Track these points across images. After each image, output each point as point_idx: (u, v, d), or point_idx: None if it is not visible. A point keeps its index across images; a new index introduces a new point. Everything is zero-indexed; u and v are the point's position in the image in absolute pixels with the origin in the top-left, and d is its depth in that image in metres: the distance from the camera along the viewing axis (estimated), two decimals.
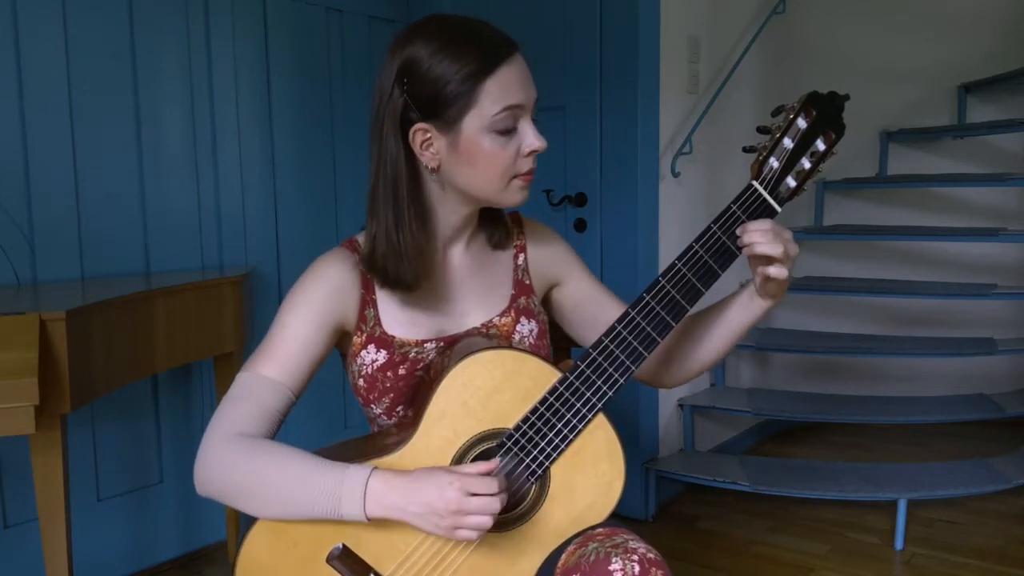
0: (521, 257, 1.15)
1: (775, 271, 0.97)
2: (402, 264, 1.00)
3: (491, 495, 0.90)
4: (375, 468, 0.92)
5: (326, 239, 2.61)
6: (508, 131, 0.97)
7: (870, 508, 2.49)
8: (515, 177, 1.01)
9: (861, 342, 2.85)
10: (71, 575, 1.49)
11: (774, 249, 0.95)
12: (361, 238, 1.09)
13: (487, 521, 0.90)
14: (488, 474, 0.93)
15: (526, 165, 1.01)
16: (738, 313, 1.08)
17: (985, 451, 2.75)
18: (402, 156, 0.99)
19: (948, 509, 2.47)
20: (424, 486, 0.90)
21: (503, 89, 0.96)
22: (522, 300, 1.13)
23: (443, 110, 0.96)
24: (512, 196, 1.02)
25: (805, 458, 2.89)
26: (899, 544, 2.23)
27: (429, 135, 0.98)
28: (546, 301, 1.19)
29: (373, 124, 1.00)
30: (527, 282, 1.14)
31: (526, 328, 1.12)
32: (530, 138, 0.99)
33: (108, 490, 2.13)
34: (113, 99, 2.09)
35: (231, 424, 0.96)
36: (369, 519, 0.91)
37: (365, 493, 0.91)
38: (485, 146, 0.97)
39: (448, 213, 1.05)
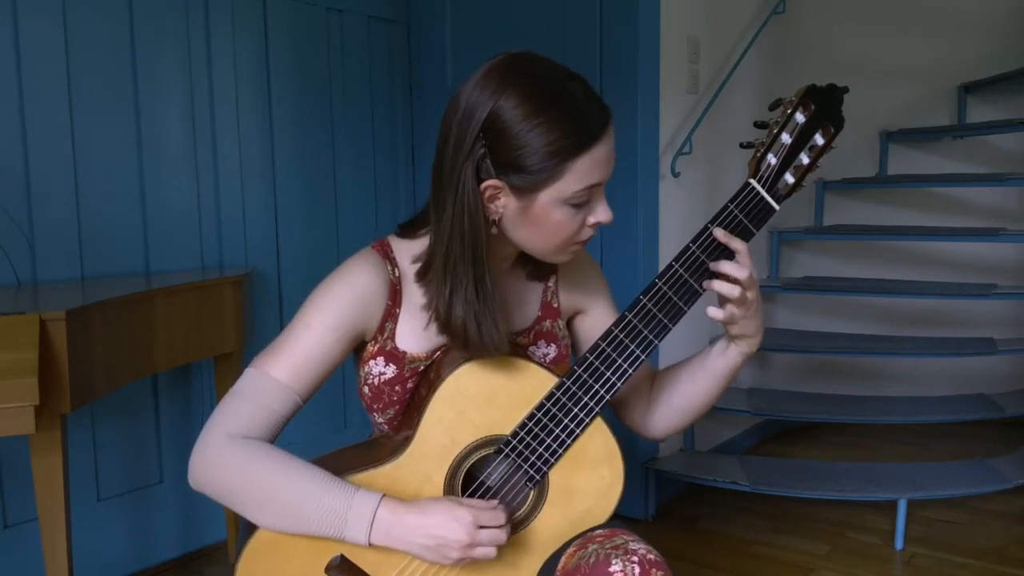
0: (552, 279, 1.13)
1: (715, 313, 0.98)
2: (485, 327, 0.95)
3: (499, 527, 0.92)
4: (384, 496, 0.92)
5: (326, 239, 2.61)
6: (581, 204, 0.95)
7: (870, 508, 2.49)
8: (574, 243, 0.99)
9: (861, 342, 2.85)
10: (71, 575, 1.49)
11: (731, 289, 0.95)
12: (394, 242, 1.06)
13: (493, 552, 0.92)
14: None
15: (587, 234, 0.99)
16: (716, 360, 1.06)
17: (985, 451, 2.75)
18: (479, 210, 0.94)
19: (948, 509, 2.47)
20: (435, 520, 0.90)
21: (589, 169, 0.93)
22: (547, 323, 1.12)
23: (523, 177, 0.92)
24: (563, 257, 1.01)
25: (805, 458, 2.89)
26: (899, 544, 2.22)
27: (499, 191, 0.94)
28: (567, 324, 1.18)
29: (448, 171, 0.94)
30: (555, 305, 1.13)
31: (539, 352, 1.11)
32: (599, 212, 0.97)
33: (108, 490, 2.13)
34: (113, 99, 2.09)
35: (235, 424, 0.95)
36: (371, 545, 0.92)
37: (372, 522, 0.91)
38: (555, 216, 0.95)
39: (496, 250, 1.03)
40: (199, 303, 1.90)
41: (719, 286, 0.96)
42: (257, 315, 2.37)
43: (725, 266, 0.96)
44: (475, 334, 0.95)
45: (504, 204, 0.95)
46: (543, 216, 0.95)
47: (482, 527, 0.91)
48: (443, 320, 0.97)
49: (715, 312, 0.98)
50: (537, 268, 1.10)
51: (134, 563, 2.18)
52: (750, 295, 0.97)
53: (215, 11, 2.28)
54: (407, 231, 1.07)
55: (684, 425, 1.13)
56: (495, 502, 0.96)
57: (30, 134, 1.93)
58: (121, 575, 2.15)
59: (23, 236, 1.94)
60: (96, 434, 2.09)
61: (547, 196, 0.93)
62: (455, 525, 0.90)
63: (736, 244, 0.96)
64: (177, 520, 2.27)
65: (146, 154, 2.16)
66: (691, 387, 1.10)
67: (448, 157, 0.94)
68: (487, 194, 0.94)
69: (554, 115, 0.90)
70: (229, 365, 2.07)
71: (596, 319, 1.16)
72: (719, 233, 0.96)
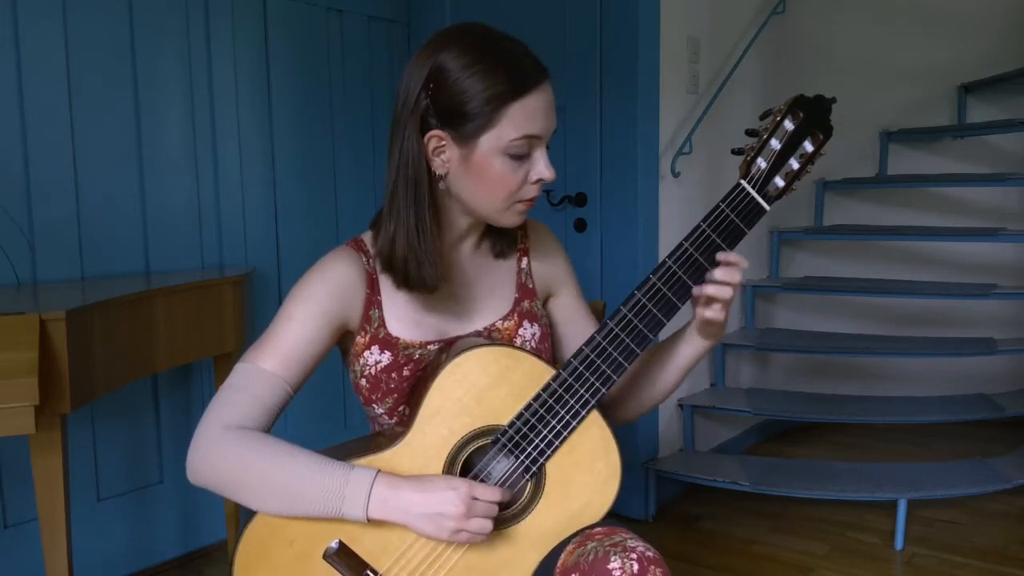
0: (524, 261, 1.16)
1: (712, 314, 1.00)
2: (424, 266, 1.01)
3: (494, 502, 0.94)
4: (379, 471, 0.93)
5: (326, 239, 2.61)
6: (521, 157, 0.99)
7: (870, 508, 2.49)
8: (518, 202, 1.02)
9: (861, 342, 2.85)
10: (71, 575, 1.50)
11: (722, 292, 0.98)
12: (367, 238, 1.10)
13: (489, 525, 0.93)
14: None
15: (531, 192, 1.02)
16: (686, 348, 1.10)
17: (985, 451, 2.75)
18: (423, 158, 0.99)
19: (948, 509, 2.47)
20: (431, 492, 0.92)
21: (526, 117, 0.97)
22: (525, 304, 1.14)
23: (462, 123, 0.96)
24: (510, 219, 1.04)
25: (805, 458, 2.89)
26: (899, 544, 2.22)
27: (443, 143, 0.99)
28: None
29: (396, 123, 1.01)
30: (530, 286, 1.15)
31: (528, 332, 1.13)
32: (540, 167, 1.00)
33: (108, 490, 2.13)
34: (113, 99, 2.09)
35: (229, 415, 0.97)
36: (369, 520, 0.92)
37: (369, 495, 0.92)
38: (496, 167, 0.98)
39: (455, 218, 1.07)
40: (199, 303, 1.91)
41: (713, 289, 0.98)
42: (257, 315, 2.37)
43: (718, 274, 0.98)
44: (415, 271, 1.01)
45: (448, 158, 1.00)
46: (484, 166, 0.98)
47: (477, 499, 0.93)
48: (386, 256, 1.03)
49: (713, 313, 1.00)
50: (500, 241, 1.13)
51: (134, 563, 2.18)
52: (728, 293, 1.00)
53: (215, 11, 2.28)
54: (377, 224, 1.09)
55: (650, 409, 1.18)
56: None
57: (30, 134, 1.94)
58: (121, 575, 2.15)
59: (23, 236, 1.94)
60: (96, 434, 2.09)
61: (486, 144, 0.97)
62: (452, 495, 0.91)
63: (732, 257, 0.98)
64: (177, 520, 2.28)
65: (146, 154, 2.16)
66: (662, 376, 1.13)
67: (397, 114, 1.01)
68: (431, 146, 0.99)
69: (491, 64, 0.95)
70: (229, 365, 2.07)
71: (563, 302, 1.19)
72: (722, 257, 0.98)
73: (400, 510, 0.92)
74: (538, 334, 1.13)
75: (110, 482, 2.13)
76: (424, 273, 1.01)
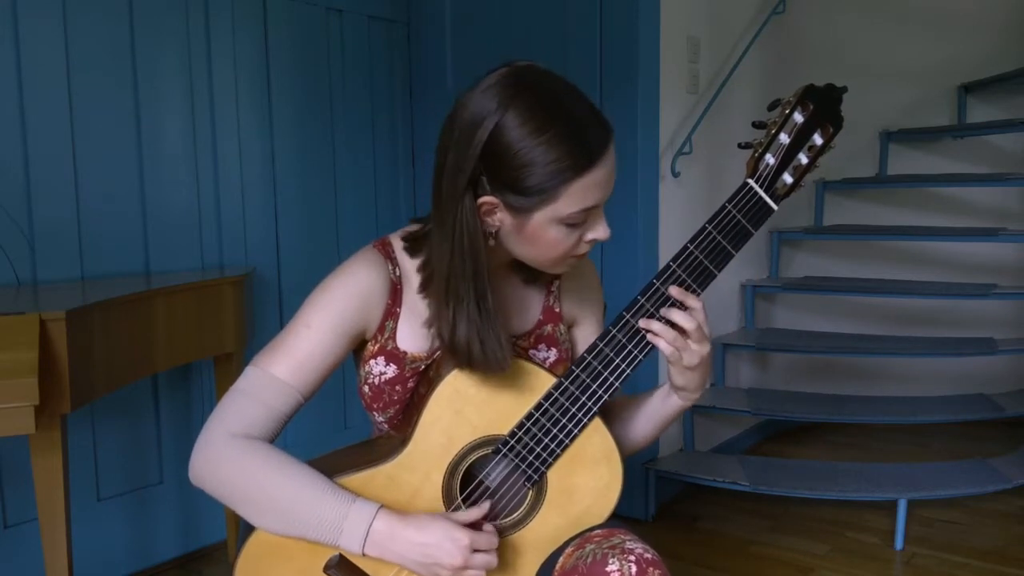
0: (555, 284, 1.13)
1: (660, 343, 0.97)
2: (488, 344, 0.95)
3: (493, 551, 0.93)
4: (381, 507, 0.92)
5: (326, 239, 2.61)
6: (577, 224, 0.95)
7: (870, 508, 2.49)
8: (571, 257, 0.99)
9: (861, 342, 2.85)
10: (71, 575, 1.50)
11: (670, 336, 0.96)
12: (396, 243, 1.06)
13: (483, 573, 0.93)
14: (483, 519, 0.96)
15: (584, 248, 0.99)
16: (658, 404, 1.09)
17: (985, 451, 2.75)
18: (478, 228, 0.94)
19: (948, 509, 2.47)
20: (432, 539, 0.91)
21: (586, 192, 0.91)
22: (548, 327, 1.12)
23: (519, 196, 0.91)
24: (560, 269, 1.02)
25: (805, 458, 2.89)
26: (899, 544, 2.22)
27: (495, 207, 0.94)
28: None
29: (446, 188, 0.93)
30: (557, 310, 1.13)
31: (540, 355, 1.11)
32: (597, 230, 0.97)
33: (108, 490, 2.13)
34: (113, 99, 2.09)
35: (237, 422, 0.95)
36: (365, 556, 0.92)
37: (367, 534, 0.91)
38: (551, 234, 0.94)
39: (493, 256, 1.02)
40: (199, 303, 1.90)
41: (658, 327, 0.96)
42: (257, 315, 2.37)
43: (675, 316, 0.96)
44: (479, 352, 0.95)
45: (499, 220, 0.95)
46: (538, 234, 0.94)
47: (476, 551, 0.92)
48: (448, 341, 0.96)
49: (664, 345, 0.97)
50: (534, 274, 1.10)
51: (134, 563, 2.18)
52: (695, 346, 0.97)
53: (215, 11, 2.28)
54: (411, 232, 1.06)
55: (631, 453, 1.15)
56: (491, 527, 0.96)
57: (30, 134, 1.93)
58: (121, 575, 2.15)
59: (23, 236, 1.94)
60: (96, 434, 2.09)
61: (542, 216, 0.92)
62: (450, 547, 0.90)
63: (691, 302, 0.96)
64: (177, 520, 2.27)
65: (146, 154, 2.16)
66: (636, 425, 1.12)
67: (447, 174, 0.93)
68: (483, 208, 0.94)
69: (554, 136, 0.88)
70: (229, 365, 2.07)
71: (581, 334, 1.16)
72: (674, 291, 0.96)
73: (395, 553, 0.91)
74: (552, 359, 1.11)
75: (110, 482, 2.13)
76: (488, 351, 0.95)
